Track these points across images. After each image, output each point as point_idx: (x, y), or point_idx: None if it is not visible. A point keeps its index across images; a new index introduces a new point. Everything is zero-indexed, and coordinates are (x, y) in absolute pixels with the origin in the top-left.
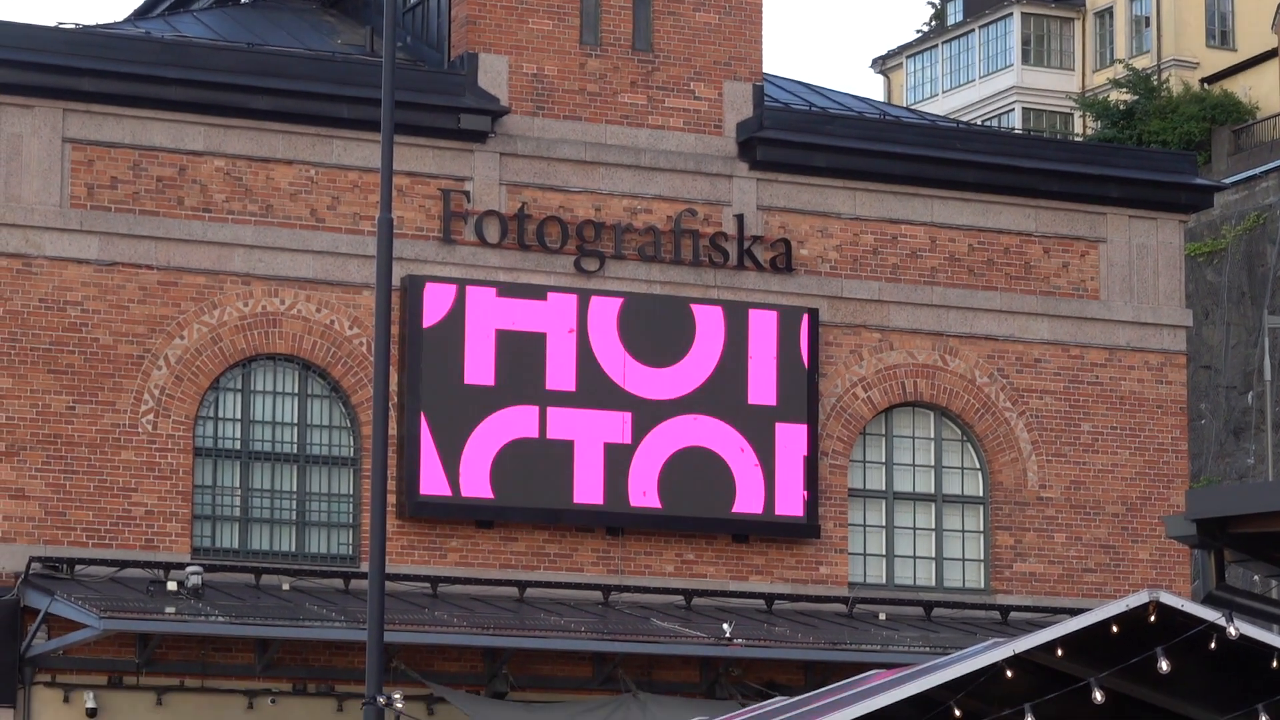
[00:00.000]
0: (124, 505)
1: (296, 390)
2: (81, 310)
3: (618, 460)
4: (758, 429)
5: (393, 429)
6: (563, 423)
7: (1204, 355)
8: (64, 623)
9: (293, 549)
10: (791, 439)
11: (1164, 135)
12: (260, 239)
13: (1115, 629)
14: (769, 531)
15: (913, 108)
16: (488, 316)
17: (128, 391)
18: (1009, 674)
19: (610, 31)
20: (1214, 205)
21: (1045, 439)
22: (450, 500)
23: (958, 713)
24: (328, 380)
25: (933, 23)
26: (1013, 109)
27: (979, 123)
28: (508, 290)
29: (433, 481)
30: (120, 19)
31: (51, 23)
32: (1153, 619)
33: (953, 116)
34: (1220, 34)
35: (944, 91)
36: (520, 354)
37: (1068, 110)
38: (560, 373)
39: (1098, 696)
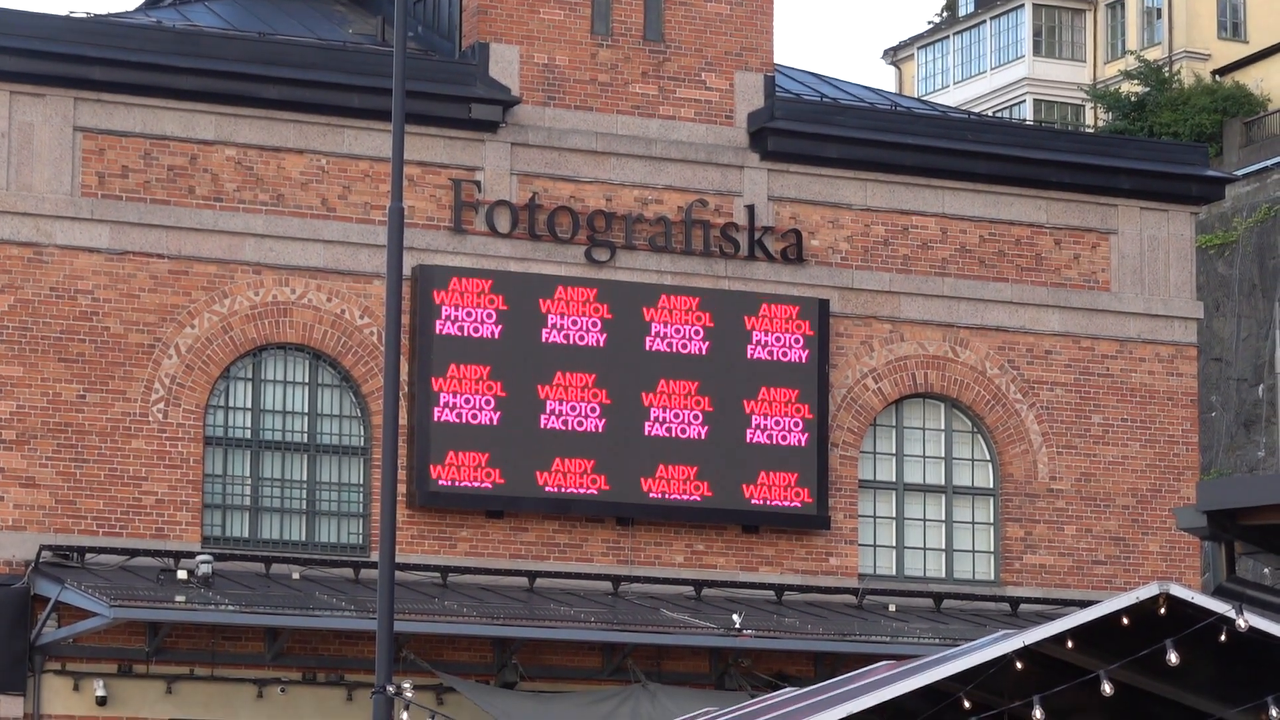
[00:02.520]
0: (134, 494)
1: (307, 380)
2: (92, 299)
3: (627, 448)
4: (767, 417)
5: (403, 418)
6: (571, 411)
7: (1215, 348)
8: (74, 611)
9: (303, 538)
10: (801, 429)
11: (1175, 127)
12: (271, 228)
13: (1125, 621)
14: (779, 522)
15: (924, 99)
16: (499, 304)
17: (138, 380)
18: (1019, 666)
19: (621, 21)
20: (1225, 197)
21: (1056, 431)
22: (460, 490)
23: (967, 704)
24: (338, 370)
25: (944, 14)
26: (1024, 100)
27: (990, 114)
28: (520, 279)
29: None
30: (131, 8)
31: (63, 11)
32: (1163, 611)
33: (964, 108)
34: (1232, 26)
35: (955, 83)
36: (531, 341)
37: (1079, 102)
38: (572, 360)
39: (1107, 688)
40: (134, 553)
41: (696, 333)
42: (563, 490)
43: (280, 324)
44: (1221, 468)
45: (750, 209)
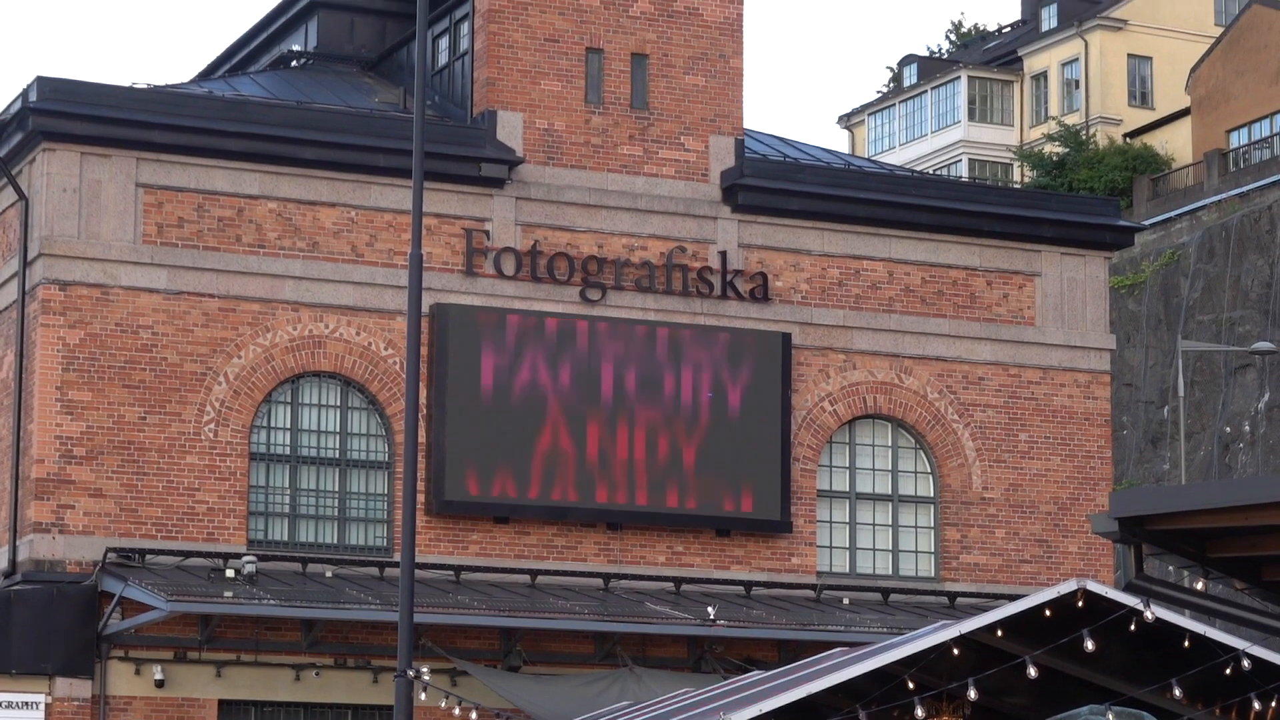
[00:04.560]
0: (188, 503)
1: (339, 403)
2: (152, 333)
3: (616, 462)
4: (740, 436)
5: (422, 437)
6: (569, 432)
7: (1126, 374)
8: (136, 605)
9: (335, 541)
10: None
11: (1091, 183)
12: (308, 271)
13: (1048, 613)
14: (748, 527)
15: (873, 159)
16: (505, 339)
17: (192, 404)
18: (955, 652)
19: (612, 92)
20: (1135, 244)
21: (988, 447)
22: (471, 499)
23: (911, 685)
24: (366, 394)
25: (891, 84)
26: (960, 160)
27: (931, 172)
28: (522, 316)
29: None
30: (186, 79)
31: (127, 83)
32: (1080, 604)
33: (908, 166)
34: (1141, 95)
35: (900, 144)
36: (534, 368)
37: (1008, 161)
38: (566, 388)
39: (1032, 671)
40: (188, 554)
41: (674, 362)
42: (560, 500)
43: (315, 355)
44: (1131, 479)
45: (723, 255)
